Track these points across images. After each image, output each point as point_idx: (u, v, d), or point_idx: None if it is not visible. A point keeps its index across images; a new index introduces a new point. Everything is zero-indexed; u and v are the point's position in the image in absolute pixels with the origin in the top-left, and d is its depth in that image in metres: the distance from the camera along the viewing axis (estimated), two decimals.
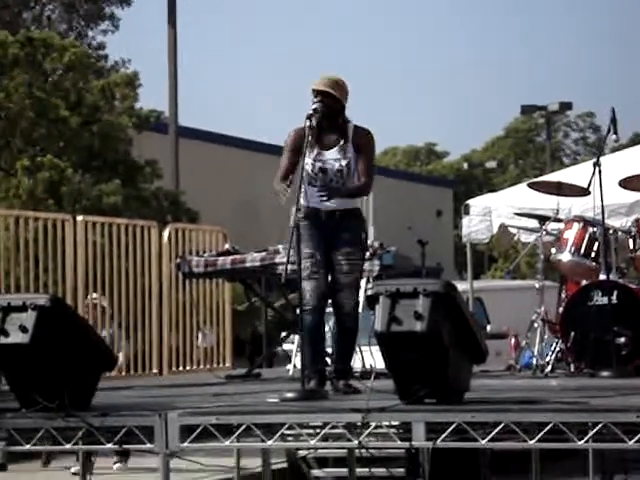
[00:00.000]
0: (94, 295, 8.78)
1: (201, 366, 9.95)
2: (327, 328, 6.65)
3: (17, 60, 14.67)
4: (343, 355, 6.54)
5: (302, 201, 6.31)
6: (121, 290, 9.32)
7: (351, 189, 6.46)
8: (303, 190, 6.27)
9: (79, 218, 9.16)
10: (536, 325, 7.89)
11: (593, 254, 7.76)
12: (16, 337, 5.86)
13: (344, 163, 6.42)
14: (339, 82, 6.50)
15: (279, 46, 71.72)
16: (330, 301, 6.53)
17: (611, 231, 7.91)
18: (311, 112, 6.41)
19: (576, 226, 7.85)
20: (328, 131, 6.47)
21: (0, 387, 7.70)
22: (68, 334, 6.00)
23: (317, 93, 6.44)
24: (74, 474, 10.64)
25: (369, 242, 7.86)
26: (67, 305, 6.79)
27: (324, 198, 6.38)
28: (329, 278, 6.48)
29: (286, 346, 9.40)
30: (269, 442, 5.57)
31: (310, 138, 6.34)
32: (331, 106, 6.43)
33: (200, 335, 9.83)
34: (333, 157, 6.45)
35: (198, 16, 57.84)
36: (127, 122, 15.65)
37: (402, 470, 10.10)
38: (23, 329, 5.85)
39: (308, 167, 6.41)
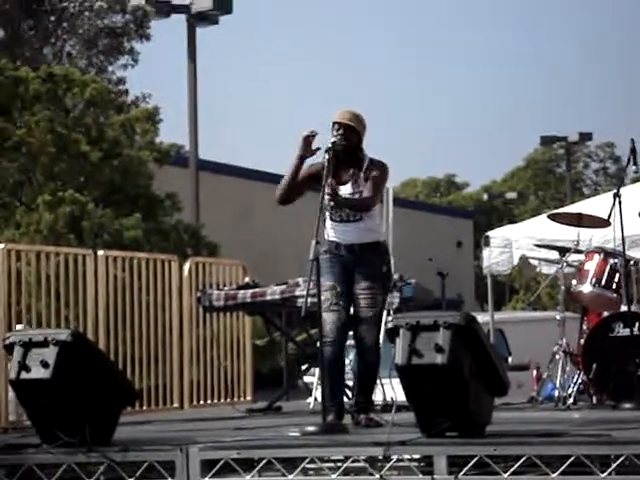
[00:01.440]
0: (18, 327, 8.61)
1: (222, 400, 9.94)
2: (347, 361, 6.65)
3: (38, 96, 14.81)
4: (364, 388, 6.53)
5: (324, 235, 6.36)
6: (142, 324, 9.35)
7: (350, 200, 6.44)
8: (323, 224, 6.30)
9: (100, 253, 9.20)
10: (558, 357, 7.85)
11: (614, 285, 7.73)
12: (38, 372, 5.90)
13: (357, 197, 6.45)
14: (359, 116, 6.55)
15: (302, 77, 72.19)
16: (351, 334, 6.53)
17: (632, 262, 7.88)
18: (330, 145, 6.45)
19: (597, 257, 7.83)
20: (345, 165, 6.51)
21: (22, 422, 7.73)
22: (89, 369, 6.02)
23: (339, 126, 6.48)
24: None
25: None
26: (88, 340, 6.82)
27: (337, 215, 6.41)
28: (351, 311, 6.49)
29: (307, 379, 9.38)
30: (290, 476, 5.54)
31: (327, 171, 6.38)
32: (351, 139, 6.47)
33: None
34: (347, 192, 6.48)
35: (219, 47, 58.31)
36: (147, 156, 15.76)
37: None
38: (44, 364, 5.89)
39: (326, 201, 6.44)
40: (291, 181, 6.49)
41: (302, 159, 6.46)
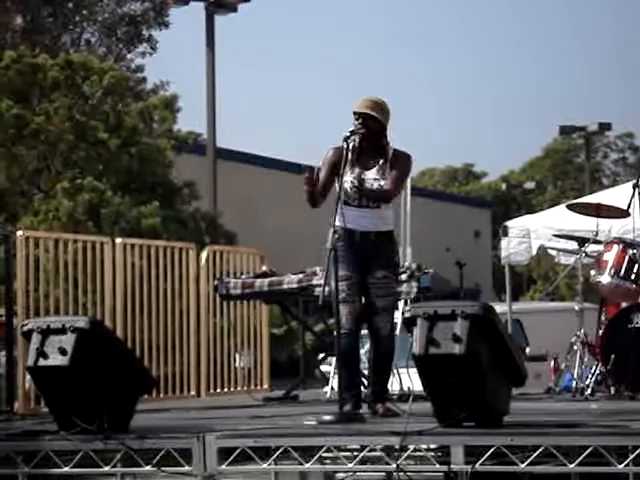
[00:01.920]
0: None
1: (239, 388, 9.96)
2: (363, 351, 6.64)
3: (57, 83, 14.85)
4: (380, 378, 6.52)
5: (338, 222, 6.32)
6: (159, 312, 9.36)
7: (375, 192, 6.43)
8: (339, 211, 6.28)
9: (118, 240, 9.22)
10: (576, 348, 7.83)
11: (633, 276, 7.70)
12: (55, 359, 5.91)
13: (382, 183, 6.44)
14: (380, 104, 6.51)
15: (320, 67, 72.06)
16: (366, 324, 6.53)
17: None
18: (348, 134, 6.42)
19: (615, 248, 7.79)
20: (369, 152, 6.49)
21: (39, 409, 7.76)
22: (107, 356, 6.03)
23: (358, 115, 6.46)
24: None
25: (407, 264, 7.85)
26: (106, 327, 6.84)
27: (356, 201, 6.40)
28: (363, 300, 6.48)
29: (323, 368, 9.38)
30: (307, 465, 5.55)
31: (350, 157, 6.36)
32: (372, 128, 6.44)
33: (237, 356, 9.84)
34: (372, 177, 6.47)
35: (237, 36, 58.27)
36: (165, 144, 15.78)
37: None
38: (62, 351, 5.90)
39: (347, 185, 6.42)
40: (312, 195, 6.47)
41: (311, 191, 6.43)
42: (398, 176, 6.48)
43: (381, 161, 6.48)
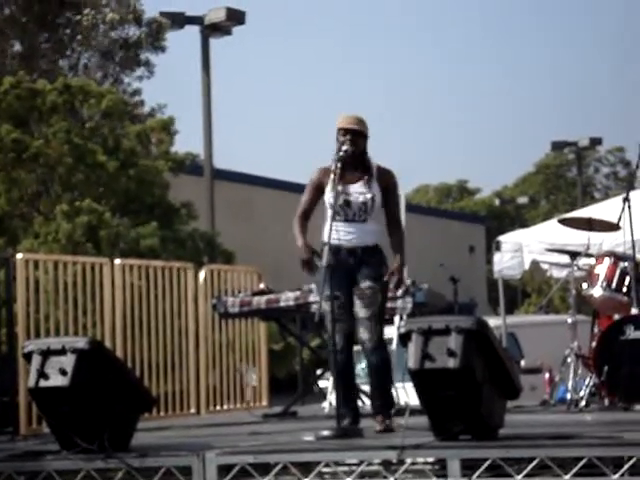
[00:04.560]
0: None
1: (238, 405, 10.03)
2: (361, 366, 6.69)
3: (55, 107, 14.94)
4: (377, 390, 6.50)
5: (325, 239, 6.38)
6: (158, 331, 9.44)
7: (401, 248, 6.50)
8: (328, 228, 6.36)
9: (117, 261, 9.30)
10: (569, 360, 7.89)
11: (625, 288, 7.77)
12: (56, 380, 5.96)
13: (369, 197, 6.47)
14: (363, 120, 6.60)
15: (314, 86, 72.28)
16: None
17: None
18: (342, 154, 6.48)
19: (607, 261, 7.87)
20: (352, 167, 6.53)
21: (41, 430, 7.83)
22: (107, 376, 6.08)
23: (345, 132, 6.51)
24: None
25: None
26: (106, 347, 6.90)
27: (353, 236, 6.47)
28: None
29: (321, 384, 9.45)
30: None
31: (336, 176, 6.44)
32: (358, 143, 6.51)
33: (248, 374, 9.89)
34: (357, 190, 6.51)
35: (233, 55, 58.50)
36: (163, 166, 15.86)
37: None
38: (63, 372, 5.95)
39: (332, 200, 6.45)
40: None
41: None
42: (398, 209, 6.59)
43: (365, 176, 6.53)
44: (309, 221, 6.61)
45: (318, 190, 6.58)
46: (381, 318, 6.49)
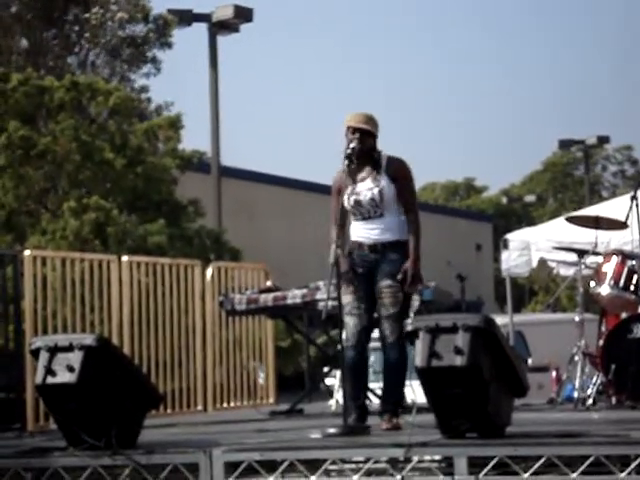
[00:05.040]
0: None
1: (245, 402, 10.03)
2: (370, 362, 6.69)
3: (63, 105, 14.97)
4: (389, 388, 6.50)
5: (352, 237, 6.41)
6: (165, 328, 9.45)
7: (413, 241, 6.45)
8: (347, 225, 6.38)
9: (124, 258, 9.31)
10: (577, 358, 7.88)
11: (632, 287, 7.76)
12: (63, 377, 5.97)
13: (376, 191, 6.48)
14: (371, 117, 6.60)
15: (321, 83, 72.23)
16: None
17: None
18: (350, 151, 6.48)
19: (614, 259, 7.86)
20: (362, 165, 6.55)
21: (48, 426, 7.84)
22: (114, 373, 6.09)
23: (354, 130, 6.52)
24: None
25: None
26: (113, 344, 6.91)
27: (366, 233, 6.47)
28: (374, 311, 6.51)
29: (328, 381, 9.45)
30: (312, 477, 5.58)
31: (349, 174, 6.45)
32: (367, 142, 6.52)
33: (259, 371, 9.90)
34: (366, 187, 6.52)
35: (241, 52, 58.52)
36: (170, 163, 15.87)
37: None
38: (70, 369, 5.95)
39: (345, 202, 6.51)
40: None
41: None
42: (411, 194, 6.53)
43: (374, 171, 6.54)
44: (345, 226, 6.58)
45: (340, 194, 6.60)
46: (404, 316, 6.47)
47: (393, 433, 6.20)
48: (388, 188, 6.47)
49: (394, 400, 6.47)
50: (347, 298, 6.39)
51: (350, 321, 6.42)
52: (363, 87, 65.13)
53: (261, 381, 10.10)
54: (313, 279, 8.73)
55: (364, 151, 6.50)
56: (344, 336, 6.32)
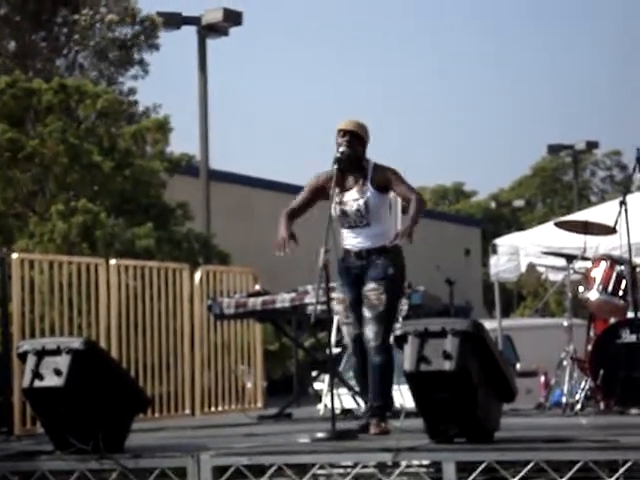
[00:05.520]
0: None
1: (233, 406, 10.02)
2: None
3: (51, 107, 14.93)
4: (375, 392, 6.49)
5: (338, 243, 6.43)
6: (154, 332, 9.42)
7: (412, 215, 6.37)
8: (332, 234, 6.36)
9: (112, 262, 9.29)
10: (565, 363, 7.89)
11: (621, 292, 7.78)
12: (51, 380, 5.95)
13: (361, 202, 6.48)
14: (364, 126, 6.61)
15: (312, 87, 72.29)
16: None
17: (638, 269, 7.92)
18: (339, 155, 6.49)
19: (603, 264, 7.87)
20: (349, 173, 6.55)
21: (35, 430, 7.81)
22: (102, 377, 6.07)
23: (344, 133, 6.52)
24: None
25: None
26: (101, 348, 6.88)
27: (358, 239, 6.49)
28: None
29: (317, 385, 9.44)
30: None
31: (337, 179, 6.45)
32: (356, 147, 6.52)
33: (246, 376, 9.89)
34: (352, 198, 6.53)
35: (230, 57, 58.48)
36: (159, 166, 15.85)
37: None
38: (57, 372, 5.93)
39: (332, 211, 6.50)
40: (290, 216, 6.53)
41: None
42: (402, 183, 6.46)
43: (360, 180, 6.53)
44: (294, 220, 6.57)
45: (316, 192, 6.61)
46: (389, 318, 6.46)
47: (381, 437, 6.19)
48: (374, 199, 6.49)
49: (380, 404, 6.46)
50: (338, 308, 6.50)
51: (344, 330, 6.54)
52: (355, 92, 65.24)
53: (249, 385, 10.08)
54: (303, 283, 8.72)
55: (353, 158, 6.49)
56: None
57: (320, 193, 6.60)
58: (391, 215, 6.82)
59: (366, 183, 6.51)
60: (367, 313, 6.44)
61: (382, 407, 6.47)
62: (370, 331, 6.41)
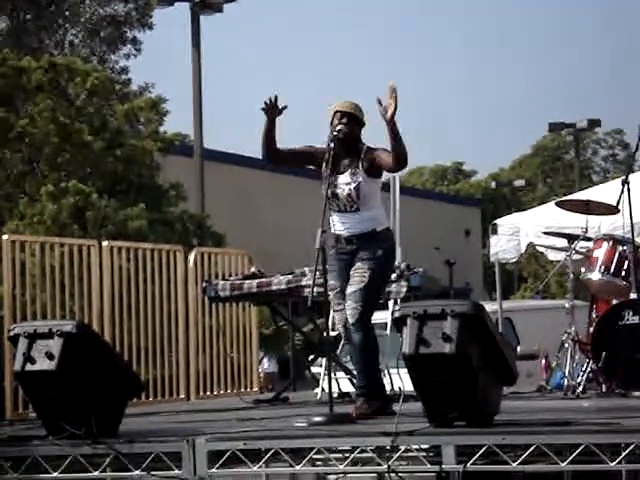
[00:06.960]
0: None
1: (229, 390, 9.93)
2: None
3: (41, 86, 14.77)
4: (358, 373, 6.52)
5: (330, 229, 6.38)
6: (147, 315, 9.32)
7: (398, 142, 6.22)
8: (327, 216, 6.29)
9: (104, 243, 9.17)
10: (567, 345, 7.80)
11: (623, 273, 7.69)
12: (43, 364, 5.89)
13: (353, 187, 6.46)
14: (359, 106, 6.57)
15: (308, 67, 72.10)
16: None
17: None
18: (337, 134, 6.42)
19: (605, 245, 7.78)
20: (344, 155, 6.52)
21: (27, 414, 7.71)
22: (94, 360, 6.01)
23: (342, 115, 6.47)
24: None
25: (397, 263, 7.81)
26: (93, 331, 6.80)
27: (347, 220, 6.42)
28: None
29: (314, 369, 9.35)
30: (297, 467, 5.54)
31: (330, 160, 6.36)
32: (353, 129, 6.48)
33: (265, 360, 9.81)
34: (344, 182, 6.50)
35: (223, 35, 58.27)
36: (152, 146, 15.72)
37: None
38: (50, 356, 5.87)
39: (323, 191, 6.46)
40: (265, 139, 6.47)
41: (272, 122, 6.39)
42: (388, 153, 6.35)
43: (354, 164, 6.50)
44: (272, 142, 6.48)
45: (306, 155, 6.62)
46: (369, 297, 6.39)
47: (379, 421, 6.12)
48: (365, 184, 6.46)
49: (363, 384, 6.42)
50: (330, 295, 6.42)
51: (337, 317, 6.52)
52: (351, 69, 65.06)
53: (264, 369, 9.99)
54: (300, 266, 8.61)
55: (350, 138, 6.44)
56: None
57: (309, 158, 6.61)
58: (390, 197, 6.75)
59: (358, 167, 6.48)
60: (348, 289, 6.41)
61: (364, 387, 6.42)
62: (348, 307, 6.39)
